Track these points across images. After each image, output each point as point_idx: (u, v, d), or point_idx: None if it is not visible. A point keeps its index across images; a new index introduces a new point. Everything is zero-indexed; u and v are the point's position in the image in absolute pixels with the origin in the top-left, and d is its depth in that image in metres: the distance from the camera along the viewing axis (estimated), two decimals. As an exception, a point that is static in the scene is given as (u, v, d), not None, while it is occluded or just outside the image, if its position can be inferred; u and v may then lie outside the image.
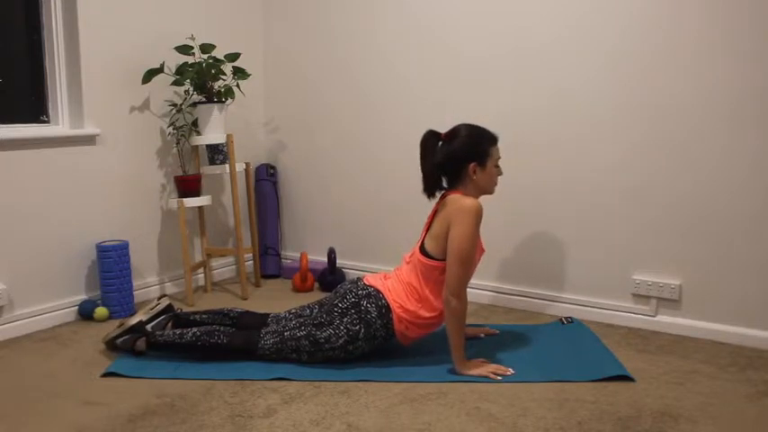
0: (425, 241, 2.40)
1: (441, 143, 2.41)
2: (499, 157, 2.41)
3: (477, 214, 2.30)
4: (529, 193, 3.07)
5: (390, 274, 2.49)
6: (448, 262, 2.31)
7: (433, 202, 2.49)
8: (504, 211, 3.14)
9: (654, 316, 2.83)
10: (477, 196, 2.40)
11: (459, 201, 2.32)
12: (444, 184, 2.45)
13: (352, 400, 2.16)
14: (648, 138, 2.75)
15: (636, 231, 2.83)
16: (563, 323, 2.87)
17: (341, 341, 2.36)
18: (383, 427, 1.98)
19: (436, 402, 2.13)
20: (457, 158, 2.37)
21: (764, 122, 2.52)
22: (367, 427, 1.97)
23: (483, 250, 2.48)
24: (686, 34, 2.62)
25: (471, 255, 2.31)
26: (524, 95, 3.02)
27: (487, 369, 2.33)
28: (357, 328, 2.36)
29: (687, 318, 2.76)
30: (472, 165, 2.35)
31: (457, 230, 2.29)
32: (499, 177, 2.45)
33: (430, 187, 2.44)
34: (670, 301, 2.79)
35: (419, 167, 2.44)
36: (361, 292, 2.41)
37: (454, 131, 2.40)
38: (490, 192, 2.44)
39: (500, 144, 2.34)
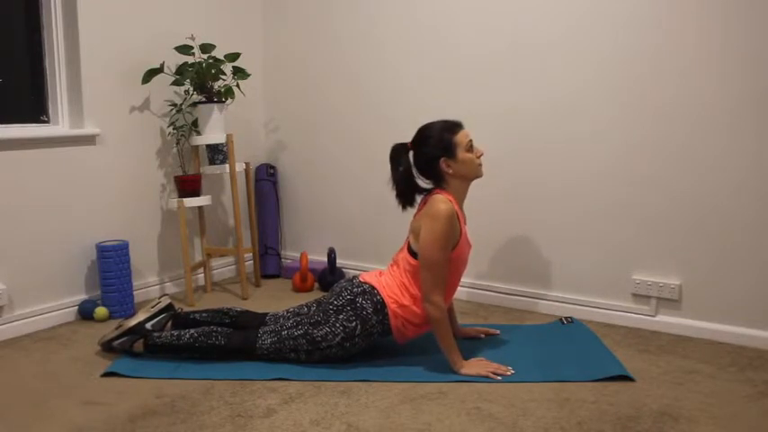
0: (411, 241, 2.41)
1: (410, 152, 2.44)
2: (469, 141, 2.38)
3: (447, 220, 2.29)
4: (529, 192, 3.07)
5: (385, 271, 2.50)
6: (420, 267, 2.33)
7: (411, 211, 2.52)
8: (503, 210, 3.14)
9: (654, 316, 2.83)
10: (464, 187, 2.42)
11: (432, 204, 2.33)
12: (425, 185, 2.46)
13: (352, 400, 2.16)
14: (648, 137, 2.75)
15: (636, 231, 2.83)
16: (563, 323, 2.87)
17: (338, 338, 2.37)
18: (383, 427, 1.98)
19: (436, 402, 2.13)
20: (427, 160, 2.38)
21: (764, 123, 2.52)
22: (367, 427, 1.97)
23: (470, 245, 2.49)
24: (686, 34, 2.62)
25: (439, 260, 2.30)
26: (525, 95, 3.02)
27: (487, 369, 2.33)
28: (353, 324, 2.36)
29: (687, 318, 2.76)
30: (442, 160, 2.36)
31: (424, 236, 2.31)
32: (489, 166, 2.40)
33: (404, 197, 2.44)
34: (670, 301, 2.79)
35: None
36: (356, 289, 2.41)
37: (416, 136, 2.42)
38: (476, 175, 2.43)
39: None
